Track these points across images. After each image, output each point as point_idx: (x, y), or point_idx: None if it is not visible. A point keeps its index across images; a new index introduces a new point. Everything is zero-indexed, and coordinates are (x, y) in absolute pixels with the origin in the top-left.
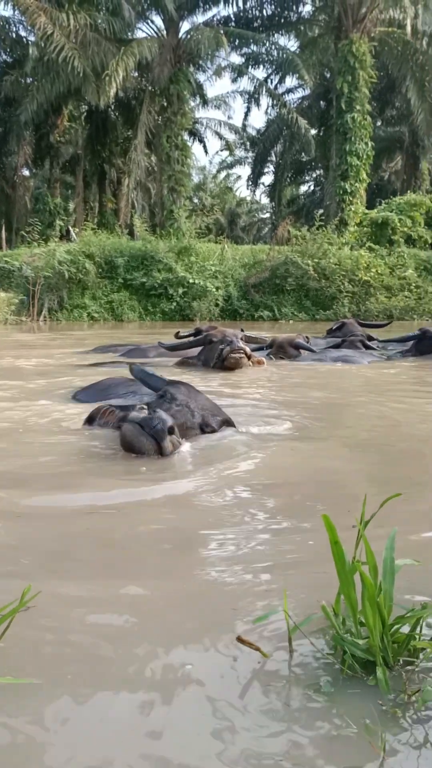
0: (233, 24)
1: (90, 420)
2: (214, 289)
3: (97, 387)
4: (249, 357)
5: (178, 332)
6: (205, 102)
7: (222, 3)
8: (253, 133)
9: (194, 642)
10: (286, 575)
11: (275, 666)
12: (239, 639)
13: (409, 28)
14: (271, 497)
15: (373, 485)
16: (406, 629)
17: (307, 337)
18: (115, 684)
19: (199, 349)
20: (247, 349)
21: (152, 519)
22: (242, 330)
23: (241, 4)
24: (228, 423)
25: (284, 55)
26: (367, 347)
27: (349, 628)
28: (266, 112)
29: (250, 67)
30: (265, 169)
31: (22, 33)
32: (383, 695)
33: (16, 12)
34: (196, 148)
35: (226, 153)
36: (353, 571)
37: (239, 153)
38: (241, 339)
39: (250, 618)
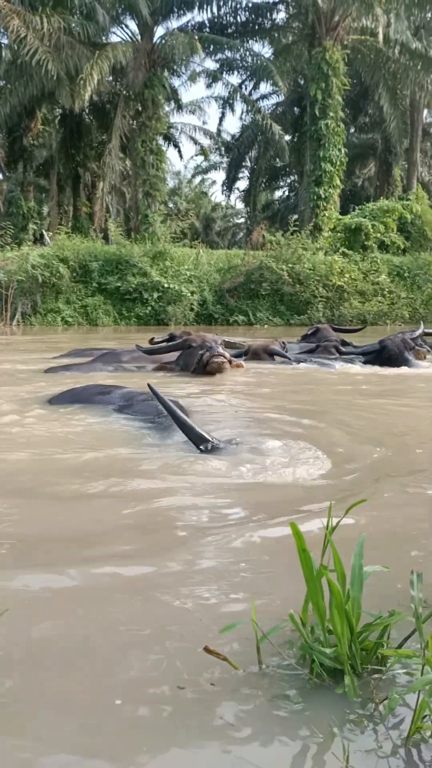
0: (208, 30)
1: None
2: (189, 294)
3: (71, 392)
4: (230, 362)
5: (153, 338)
6: (179, 107)
7: (196, 9)
8: (228, 138)
9: (158, 651)
10: (255, 584)
11: (242, 675)
12: (206, 649)
13: (381, 37)
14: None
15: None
16: (374, 636)
17: (283, 342)
18: (72, 692)
19: (177, 353)
20: (227, 355)
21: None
22: (215, 335)
23: (215, 10)
24: None
25: (258, 62)
26: (341, 353)
27: (317, 637)
28: (241, 118)
29: (224, 72)
30: (240, 175)
31: None
32: (351, 704)
33: None
34: (171, 152)
35: (201, 158)
36: (321, 578)
37: (214, 158)
38: (221, 344)
39: (217, 627)
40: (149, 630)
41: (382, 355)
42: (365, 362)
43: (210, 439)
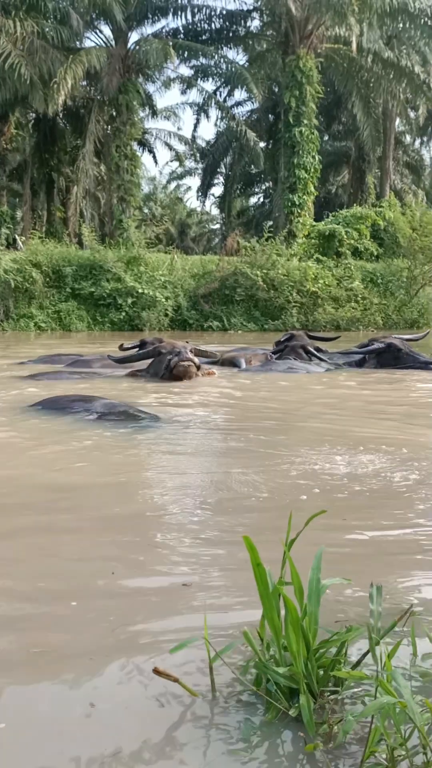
0: (182, 36)
1: None
2: (163, 300)
3: (48, 401)
4: (198, 368)
5: (122, 344)
6: (154, 113)
7: (171, 15)
8: (203, 144)
9: (106, 672)
10: (208, 599)
11: (193, 698)
12: (156, 670)
13: (354, 46)
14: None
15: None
16: (332, 653)
17: (270, 354)
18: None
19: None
20: (196, 360)
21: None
22: (188, 342)
23: (190, 17)
24: None
25: (233, 69)
26: (308, 352)
27: (273, 654)
28: (216, 124)
29: (199, 79)
30: (215, 181)
31: None
32: (306, 726)
33: None
34: (145, 158)
35: (176, 164)
36: (277, 593)
37: (189, 164)
38: (191, 351)
39: (168, 647)
40: None
41: (384, 356)
42: (361, 364)
43: None
